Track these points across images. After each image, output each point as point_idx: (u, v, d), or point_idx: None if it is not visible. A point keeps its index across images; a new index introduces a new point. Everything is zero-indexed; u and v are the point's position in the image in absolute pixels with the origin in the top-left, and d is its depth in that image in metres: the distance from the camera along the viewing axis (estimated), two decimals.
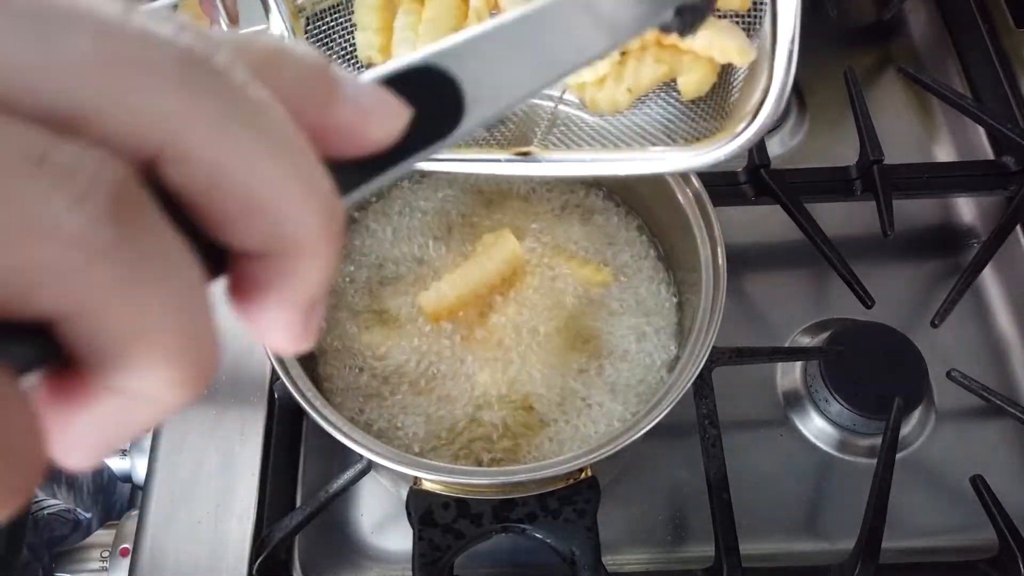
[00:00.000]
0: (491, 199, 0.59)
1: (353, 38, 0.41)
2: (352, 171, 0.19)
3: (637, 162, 0.37)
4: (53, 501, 0.68)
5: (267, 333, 0.18)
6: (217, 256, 0.17)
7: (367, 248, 0.57)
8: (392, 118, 0.18)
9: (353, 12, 0.41)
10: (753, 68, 0.36)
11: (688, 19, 0.32)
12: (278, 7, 0.37)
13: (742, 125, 0.34)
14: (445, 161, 0.40)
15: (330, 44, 0.41)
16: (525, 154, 0.39)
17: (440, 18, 0.39)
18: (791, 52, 0.31)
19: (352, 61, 0.42)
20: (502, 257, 0.51)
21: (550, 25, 0.25)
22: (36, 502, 0.66)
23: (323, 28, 0.41)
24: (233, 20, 0.37)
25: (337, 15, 0.41)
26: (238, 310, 0.18)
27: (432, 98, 0.21)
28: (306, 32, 0.39)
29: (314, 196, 0.16)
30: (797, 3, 0.30)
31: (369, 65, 0.42)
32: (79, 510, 0.70)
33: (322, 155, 0.17)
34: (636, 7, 0.29)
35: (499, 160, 0.38)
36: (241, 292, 0.17)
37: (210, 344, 0.16)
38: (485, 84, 0.23)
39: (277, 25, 0.38)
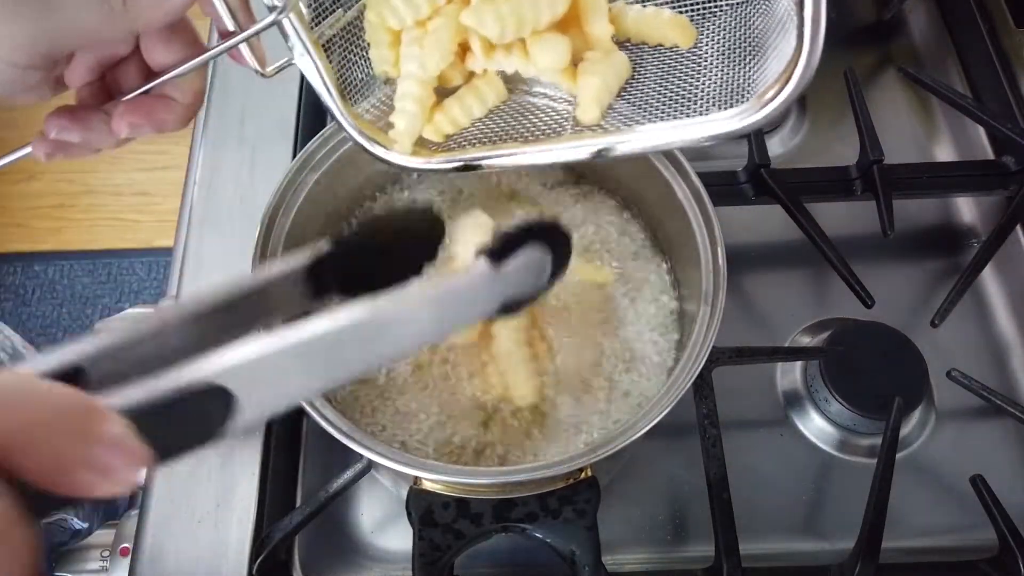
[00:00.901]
0: (491, 201, 0.59)
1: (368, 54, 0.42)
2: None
3: (670, 131, 0.37)
4: None
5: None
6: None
7: None
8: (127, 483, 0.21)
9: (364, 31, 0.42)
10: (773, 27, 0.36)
11: (516, 308, 0.35)
12: (301, 41, 0.38)
13: (773, 90, 0.34)
14: (500, 157, 0.40)
15: (350, 60, 0.42)
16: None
17: (444, 29, 0.39)
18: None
19: (371, 74, 0.43)
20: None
21: (327, 347, 0.27)
22: None
23: (343, 45, 0.41)
24: (262, 64, 0.38)
25: (352, 34, 0.42)
26: None
27: (204, 404, 0.24)
28: (327, 51, 0.40)
29: None
30: None
31: (387, 80, 0.42)
32: (74, 519, 0.70)
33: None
34: (454, 311, 0.32)
35: (551, 149, 0.39)
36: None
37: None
38: (256, 395, 0.25)
39: (300, 56, 0.38)
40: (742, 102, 0.35)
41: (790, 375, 0.64)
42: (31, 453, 0.20)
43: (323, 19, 0.40)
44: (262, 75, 0.39)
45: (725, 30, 0.40)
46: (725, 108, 0.36)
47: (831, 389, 0.60)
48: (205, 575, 0.53)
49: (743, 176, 0.68)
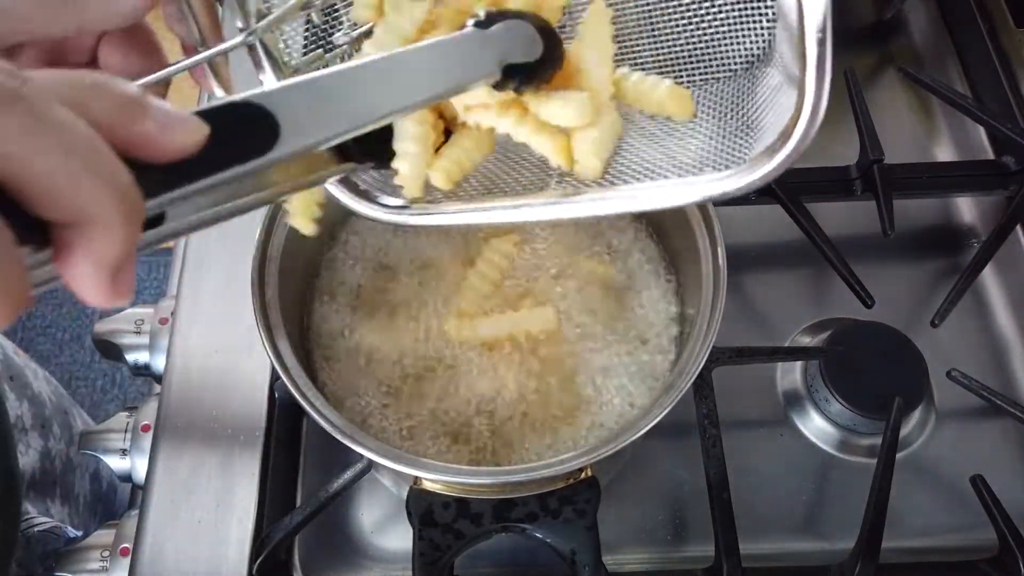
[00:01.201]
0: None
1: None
2: (170, 175, 0.24)
3: (661, 192, 0.36)
4: (43, 519, 0.68)
5: (80, 288, 0.23)
6: (42, 228, 0.22)
7: (367, 247, 0.57)
8: (190, 132, 0.24)
9: None
10: (773, 78, 0.35)
11: (520, 79, 0.35)
12: (272, 66, 0.37)
13: (771, 151, 0.33)
14: (473, 212, 0.39)
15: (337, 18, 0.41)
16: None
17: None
18: (822, 57, 0.29)
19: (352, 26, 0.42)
20: (538, 325, 0.53)
21: (367, 79, 0.30)
22: (27, 519, 0.66)
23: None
24: (227, 88, 0.38)
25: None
26: (60, 269, 0.23)
27: (248, 126, 0.27)
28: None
29: (106, 183, 0.22)
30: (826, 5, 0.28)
31: (365, 28, 0.41)
32: (68, 527, 0.70)
33: (135, 158, 0.23)
34: (455, 64, 0.33)
35: (532, 205, 0.38)
36: (58, 254, 0.23)
37: (15, 285, 0.22)
38: (300, 121, 0.27)
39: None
40: (737, 162, 0.34)
41: (790, 375, 0.64)
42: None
43: (298, 51, 0.39)
44: (223, 95, 0.38)
45: (720, 95, 0.39)
46: (720, 168, 0.35)
47: (831, 389, 0.60)
48: (205, 575, 0.53)
49: None
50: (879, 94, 0.79)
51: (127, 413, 0.62)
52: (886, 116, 0.76)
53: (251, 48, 0.37)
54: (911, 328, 0.62)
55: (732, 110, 0.37)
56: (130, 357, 0.64)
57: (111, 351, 0.64)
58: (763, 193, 0.67)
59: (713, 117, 0.38)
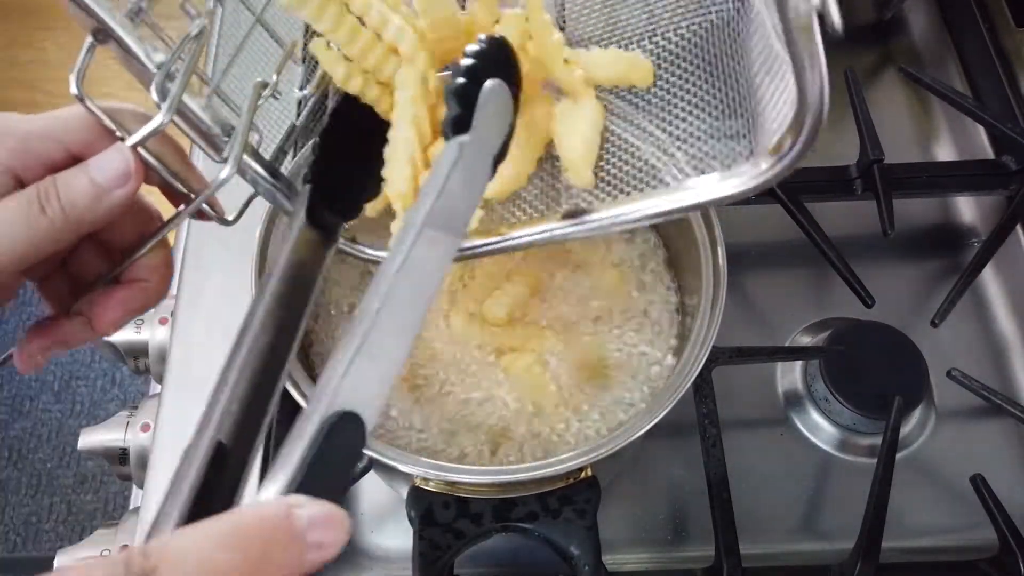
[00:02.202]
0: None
1: None
2: None
3: (665, 199, 0.36)
4: None
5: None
6: None
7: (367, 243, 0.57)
8: (341, 534, 0.24)
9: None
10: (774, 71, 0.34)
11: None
12: (261, 179, 0.38)
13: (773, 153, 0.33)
14: (488, 246, 0.40)
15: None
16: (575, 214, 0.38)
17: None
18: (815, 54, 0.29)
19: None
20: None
21: (392, 316, 0.29)
22: None
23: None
24: (222, 213, 0.38)
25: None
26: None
27: (349, 441, 0.27)
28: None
29: None
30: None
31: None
32: None
33: None
34: (447, 230, 0.32)
35: (549, 230, 0.38)
36: None
37: None
38: (372, 404, 0.28)
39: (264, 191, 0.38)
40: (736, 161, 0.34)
41: (790, 375, 0.64)
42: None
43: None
44: (227, 224, 0.38)
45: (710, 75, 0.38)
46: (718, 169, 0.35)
47: (831, 389, 0.60)
48: None
49: None
50: (879, 94, 0.79)
51: (127, 413, 0.62)
52: (886, 116, 0.76)
53: (241, 173, 0.37)
54: (911, 328, 0.62)
55: (729, 100, 0.37)
56: (129, 357, 0.64)
57: (111, 351, 0.64)
58: (763, 193, 0.67)
59: (709, 109, 0.38)
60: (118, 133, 0.34)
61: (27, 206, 0.32)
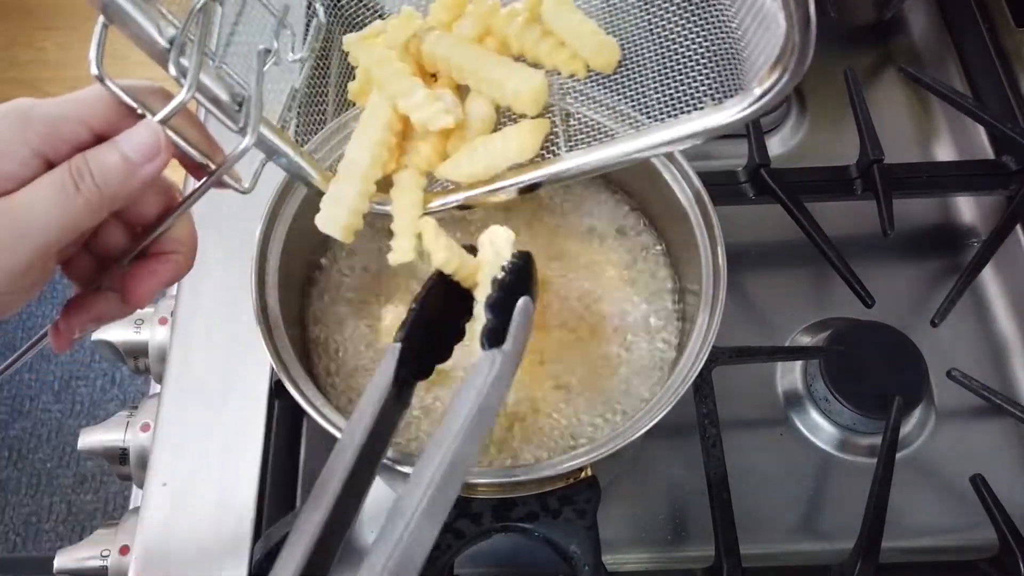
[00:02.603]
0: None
1: None
2: None
3: (663, 133, 0.38)
4: None
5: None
6: None
7: (367, 243, 0.57)
8: None
9: None
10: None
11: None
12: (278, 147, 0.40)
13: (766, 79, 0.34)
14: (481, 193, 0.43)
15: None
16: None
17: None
18: None
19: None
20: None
21: (431, 513, 0.35)
22: None
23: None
24: (239, 182, 0.39)
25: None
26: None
27: None
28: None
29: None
30: None
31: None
32: None
33: None
34: (477, 437, 0.36)
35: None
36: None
37: None
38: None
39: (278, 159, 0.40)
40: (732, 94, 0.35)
41: (790, 375, 0.64)
42: None
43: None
44: (245, 192, 0.39)
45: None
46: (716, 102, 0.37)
47: (831, 389, 0.60)
48: (204, 575, 0.53)
49: (743, 176, 0.68)
50: (879, 94, 0.79)
51: (127, 413, 0.62)
52: (886, 116, 0.76)
53: (258, 144, 0.38)
54: (911, 328, 0.62)
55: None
56: (129, 357, 0.64)
57: (110, 351, 0.64)
58: (763, 193, 0.67)
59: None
60: (140, 111, 0.34)
61: (61, 185, 0.32)
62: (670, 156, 0.53)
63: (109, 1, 0.32)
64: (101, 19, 0.33)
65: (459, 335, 0.44)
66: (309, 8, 0.47)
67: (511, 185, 0.42)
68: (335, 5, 0.47)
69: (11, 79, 1.90)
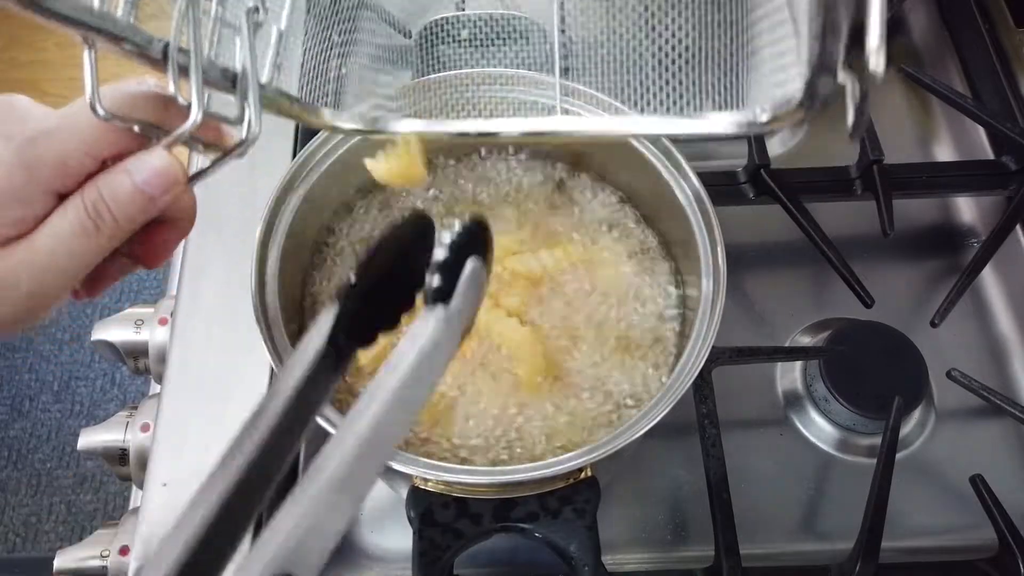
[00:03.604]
0: (492, 207, 0.59)
1: None
2: None
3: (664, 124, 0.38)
4: None
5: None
6: None
7: (364, 245, 0.57)
8: None
9: None
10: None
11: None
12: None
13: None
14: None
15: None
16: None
17: None
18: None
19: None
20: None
21: (341, 483, 0.30)
22: None
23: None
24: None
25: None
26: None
27: None
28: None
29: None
30: None
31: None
32: None
33: None
34: (410, 405, 0.33)
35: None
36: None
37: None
38: (308, 560, 0.29)
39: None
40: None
41: (790, 375, 0.64)
42: None
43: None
44: (242, 155, 0.37)
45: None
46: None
47: (831, 389, 0.60)
48: None
49: (743, 176, 0.68)
50: (879, 94, 0.79)
51: (127, 413, 0.62)
52: (886, 116, 0.76)
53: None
54: (911, 328, 0.62)
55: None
56: (129, 357, 0.64)
57: (110, 351, 0.64)
58: (763, 193, 0.67)
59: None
60: (151, 134, 0.34)
61: (82, 228, 0.32)
62: (670, 156, 0.53)
63: (87, 31, 0.30)
64: (86, 49, 0.31)
65: (409, 303, 0.39)
66: None
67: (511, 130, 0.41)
68: None
69: (11, 79, 1.90)
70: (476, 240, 0.37)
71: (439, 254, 0.36)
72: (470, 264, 0.36)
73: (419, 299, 0.37)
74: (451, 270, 0.36)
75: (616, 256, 0.57)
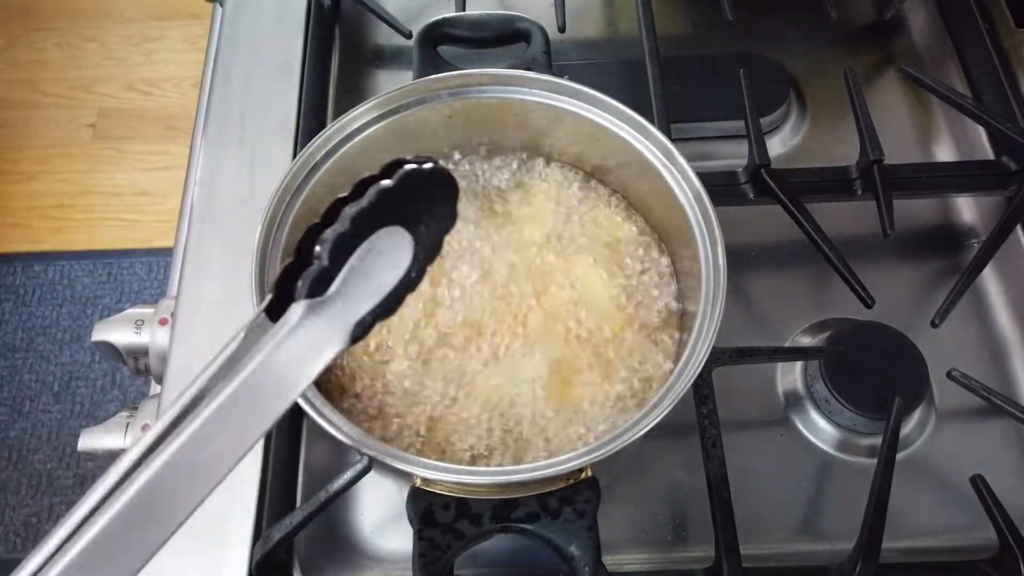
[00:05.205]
0: (492, 205, 0.59)
1: None
2: None
3: None
4: None
5: None
6: None
7: None
8: None
9: None
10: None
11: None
12: None
13: None
14: None
15: None
16: None
17: None
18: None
19: None
20: None
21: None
22: None
23: None
24: None
25: None
26: None
27: None
28: None
29: None
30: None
31: None
32: None
33: None
34: (237, 428, 0.28)
35: None
36: None
37: None
38: None
39: None
40: None
41: (790, 375, 0.64)
42: None
43: None
44: None
45: None
46: None
47: (831, 389, 0.60)
48: (204, 575, 0.53)
49: (743, 176, 0.68)
50: (879, 94, 0.79)
51: (127, 413, 0.62)
52: (886, 116, 0.76)
53: None
54: (911, 328, 0.62)
55: None
56: (130, 358, 0.64)
57: (111, 352, 0.64)
58: (763, 193, 0.67)
59: None
60: None
61: None
62: (670, 156, 0.53)
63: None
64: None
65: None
66: None
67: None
68: None
69: (11, 79, 1.91)
70: (411, 201, 0.28)
71: (337, 228, 0.27)
72: (375, 237, 0.27)
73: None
74: (344, 251, 0.28)
75: (614, 256, 0.57)
